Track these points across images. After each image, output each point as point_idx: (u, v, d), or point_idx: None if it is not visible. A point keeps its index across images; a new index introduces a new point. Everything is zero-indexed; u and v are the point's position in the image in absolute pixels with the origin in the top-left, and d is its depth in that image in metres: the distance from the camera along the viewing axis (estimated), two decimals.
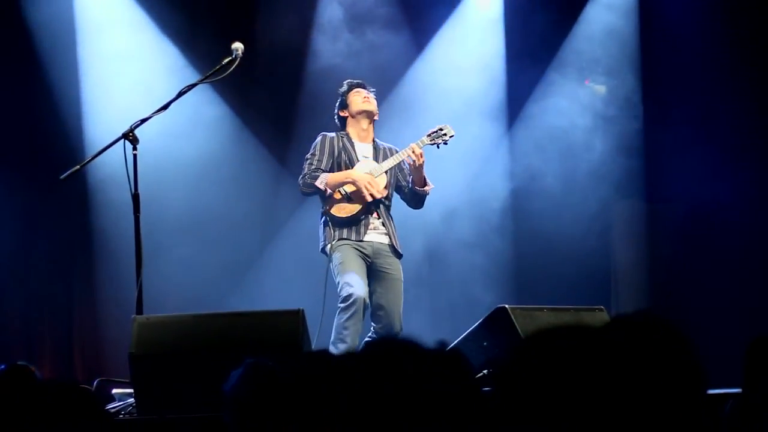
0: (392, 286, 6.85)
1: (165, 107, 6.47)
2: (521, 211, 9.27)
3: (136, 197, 6.26)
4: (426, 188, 7.04)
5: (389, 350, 1.64)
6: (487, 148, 9.24)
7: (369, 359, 1.62)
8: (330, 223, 6.91)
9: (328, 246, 6.86)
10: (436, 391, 1.62)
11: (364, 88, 7.19)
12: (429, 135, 7.06)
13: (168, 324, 5.65)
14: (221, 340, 5.46)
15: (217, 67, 6.58)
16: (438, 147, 7.09)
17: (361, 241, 6.86)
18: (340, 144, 7.04)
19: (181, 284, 8.45)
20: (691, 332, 1.69)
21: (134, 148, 6.30)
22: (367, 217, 6.91)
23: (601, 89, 9.29)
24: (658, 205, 9.25)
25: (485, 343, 6.14)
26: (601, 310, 6.60)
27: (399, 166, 7.10)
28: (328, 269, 6.82)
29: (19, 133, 8.62)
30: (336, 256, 6.80)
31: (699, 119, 9.00)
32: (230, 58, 6.53)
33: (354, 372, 1.61)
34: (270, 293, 8.50)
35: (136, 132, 6.33)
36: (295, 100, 9.05)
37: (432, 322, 8.49)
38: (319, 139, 7.08)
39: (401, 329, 6.80)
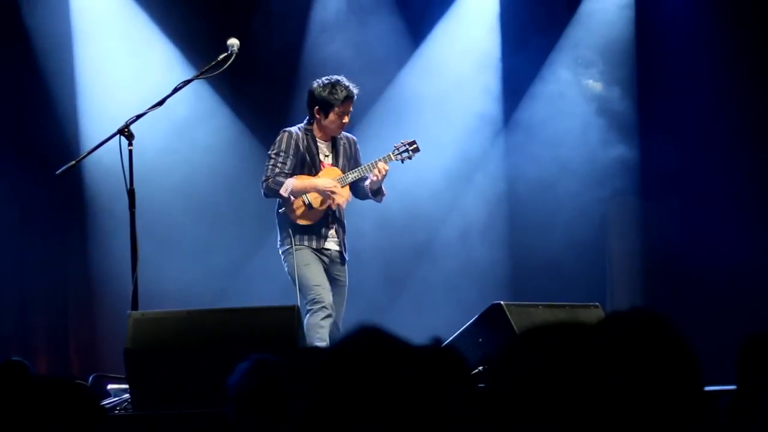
0: (341, 292, 7.09)
1: (160, 103, 6.47)
2: (516, 208, 9.26)
3: (131, 193, 6.26)
4: (380, 197, 7.16)
5: (381, 347, 1.64)
6: (482, 143, 9.23)
7: (360, 356, 1.62)
8: (289, 227, 7.03)
9: (286, 246, 7.02)
10: (431, 388, 1.62)
11: (352, 102, 7.02)
12: (396, 151, 7.13)
13: (163, 320, 5.65)
14: (216, 335, 5.46)
15: (213, 62, 6.58)
16: (403, 162, 7.20)
17: (321, 248, 7.03)
18: (305, 143, 7.04)
19: (177, 280, 8.44)
20: (686, 329, 1.69)
21: (130, 144, 6.30)
22: (327, 226, 7.05)
23: (597, 85, 9.28)
24: (654, 201, 9.24)
25: (480, 340, 6.15)
26: (596, 306, 6.60)
27: (357, 163, 7.19)
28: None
29: (15, 129, 8.60)
30: (298, 258, 6.94)
31: (696, 115, 8.99)
32: (226, 53, 6.53)
33: (348, 369, 1.61)
34: (265, 289, 8.49)
35: (132, 128, 6.33)
36: (291, 95, 9.02)
37: (426, 319, 8.49)
38: (283, 137, 7.04)
39: (340, 331, 6.94)
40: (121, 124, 6.33)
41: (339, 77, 7.02)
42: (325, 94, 6.94)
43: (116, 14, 8.76)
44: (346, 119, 7.00)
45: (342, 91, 6.93)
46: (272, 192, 6.97)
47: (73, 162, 6.53)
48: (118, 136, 6.31)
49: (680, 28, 9.01)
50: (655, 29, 9.17)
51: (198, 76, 6.78)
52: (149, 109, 6.44)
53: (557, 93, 9.15)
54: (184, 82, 6.60)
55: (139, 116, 6.39)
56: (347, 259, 7.14)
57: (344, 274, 7.12)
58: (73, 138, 8.53)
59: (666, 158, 9.04)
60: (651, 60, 9.18)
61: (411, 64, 9.21)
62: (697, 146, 8.97)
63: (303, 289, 6.90)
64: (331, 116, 6.96)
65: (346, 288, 7.13)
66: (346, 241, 7.15)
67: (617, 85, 9.21)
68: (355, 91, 6.99)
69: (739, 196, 8.89)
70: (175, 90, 6.52)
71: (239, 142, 8.94)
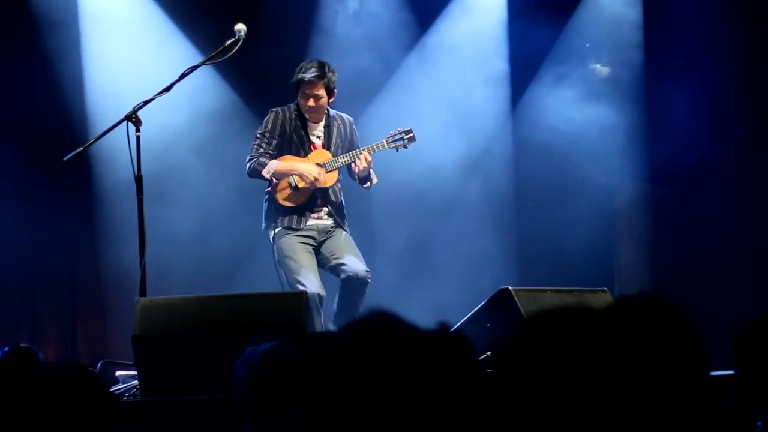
0: (341, 239, 7.00)
1: (168, 89, 6.47)
2: (524, 193, 9.26)
3: (139, 179, 6.26)
4: (368, 185, 7.09)
5: (390, 332, 1.64)
6: (490, 131, 9.22)
7: (369, 341, 1.62)
8: (273, 207, 7.04)
9: (271, 232, 7.03)
10: (438, 373, 1.62)
11: (313, 84, 6.87)
12: (390, 138, 7.05)
13: (172, 306, 5.66)
14: (225, 321, 5.47)
15: (220, 48, 6.58)
16: (398, 150, 7.11)
17: (303, 228, 6.98)
18: (292, 123, 7.02)
19: (185, 266, 8.45)
20: (694, 313, 1.69)
21: (137, 130, 6.30)
22: (311, 207, 7.01)
23: (604, 70, 9.26)
24: (662, 186, 9.23)
25: (488, 325, 6.14)
26: (604, 291, 6.60)
27: (352, 145, 7.12)
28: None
29: (23, 115, 8.60)
30: (281, 248, 6.95)
31: (704, 100, 8.97)
32: (233, 39, 6.53)
33: (354, 354, 1.61)
34: (274, 275, 8.50)
35: (139, 114, 6.33)
36: None
37: (434, 304, 8.49)
38: (270, 117, 7.06)
39: (368, 270, 6.94)
40: (128, 109, 6.33)
41: (312, 60, 7.04)
42: (296, 75, 6.98)
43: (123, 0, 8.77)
44: (311, 102, 6.92)
45: (299, 72, 6.92)
46: (255, 172, 7.00)
47: (81, 148, 6.52)
48: (125, 122, 6.31)
49: (690, 11, 8.98)
50: (665, 11, 9.14)
51: (205, 61, 6.79)
52: (157, 94, 6.44)
53: (565, 80, 9.13)
54: (192, 67, 6.59)
55: (146, 102, 6.39)
56: (347, 231, 7.05)
57: (338, 229, 7.01)
58: (81, 124, 8.53)
59: (674, 144, 9.02)
60: (660, 43, 9.15)
61: (416, 53, 9.19)
62: (707, 132, 8.95)
63: (287, 283, 6.91)
64: (300, 98, 6.96)
65: (348, 233, 7.03)
66: (340, 219, 7.07)
67: (626, 69, 9.19)
68: (312, 75, 6.84)
69: (747, 183, 8.87)
70: (183, 76, 6.51)
71: (246, 128, 8.92)
